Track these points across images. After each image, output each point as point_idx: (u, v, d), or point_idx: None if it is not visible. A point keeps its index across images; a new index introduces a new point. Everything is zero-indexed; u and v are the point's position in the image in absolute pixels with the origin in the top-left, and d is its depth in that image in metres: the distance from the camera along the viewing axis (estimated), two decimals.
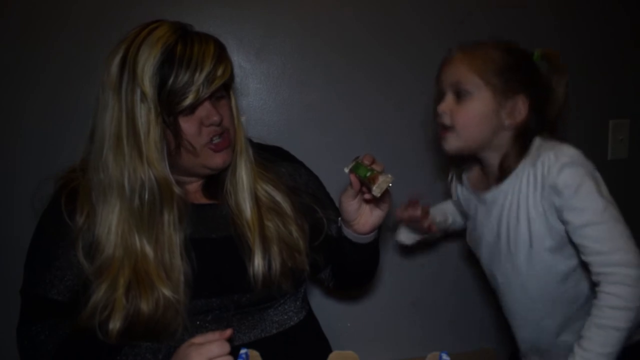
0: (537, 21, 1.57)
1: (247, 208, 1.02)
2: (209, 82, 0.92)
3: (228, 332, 0.86)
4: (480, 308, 1.60)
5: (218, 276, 0.98)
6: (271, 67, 1.45)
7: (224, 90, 1.01)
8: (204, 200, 1.06)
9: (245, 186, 1.03)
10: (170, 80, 0.90)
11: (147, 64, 0.90)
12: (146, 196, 0.93)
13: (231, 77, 0.99)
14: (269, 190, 1.06)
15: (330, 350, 0.94)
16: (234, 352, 0.85)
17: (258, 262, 0.98)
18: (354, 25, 1.46)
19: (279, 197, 1.06)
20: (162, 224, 0.95)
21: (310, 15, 1.44)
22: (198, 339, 0.85)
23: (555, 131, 1.01)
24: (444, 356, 0.81)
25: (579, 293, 0.99)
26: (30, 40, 1.34)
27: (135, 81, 0.90)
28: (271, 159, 1.11)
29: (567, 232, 0.93)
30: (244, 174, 1.04)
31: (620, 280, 0.85)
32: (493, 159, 1.01)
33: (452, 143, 0.99)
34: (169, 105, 0.91)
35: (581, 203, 0.90)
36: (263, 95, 1.45)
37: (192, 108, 0.94)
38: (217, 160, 0.99)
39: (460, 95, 0.96)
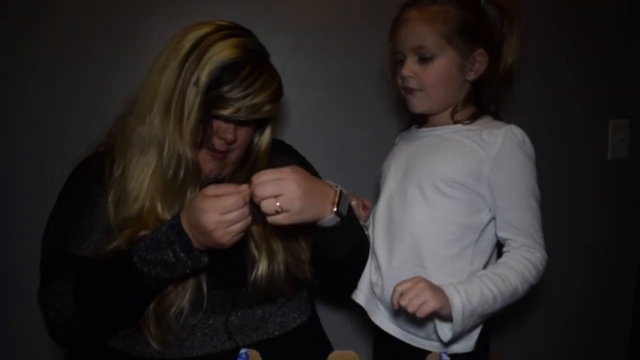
0: (537, 21, 1.57)
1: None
2: (252, 111, 0.95)
3: (244, 186, 0.86)
4: None
5: (221, 272, 0.98)
6: None
7: (259, 121, 1.04)
8: None
9: None
10: (224, 88, 0.93)
11: (215, 58, 0.93)
12: (181, 172, 0.96)
13: (272, 117, 1.04)
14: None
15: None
16: (235, 353, 0.85)
17: (262, 270, 0.99)
18: (354, 25, 1.46)
19: None
20: (184, 201, 0.97)
21: (310, 15, 1.44)
22: (212, 191, 0.85)
23: (510, 81, 1.01)
24: (444, 356, 0.81)
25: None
26: (27, 40, 1.34)
27: (199, 64, 0.93)
28: (273, 153, 1.12)
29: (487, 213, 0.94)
30: None
31: (536, 259, 0.91)
32: (447, 111, 1.00)
33: (421, 103, 0.98)
34: (211, 104, 0.94)
35: (519, 185, 0.92)
36: None
37: (224, 119, 0.97)
38: (205, 166, 1.01)
39: (424, 57, 0.95)
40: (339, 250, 0.97)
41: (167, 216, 0.95)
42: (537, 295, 1.66)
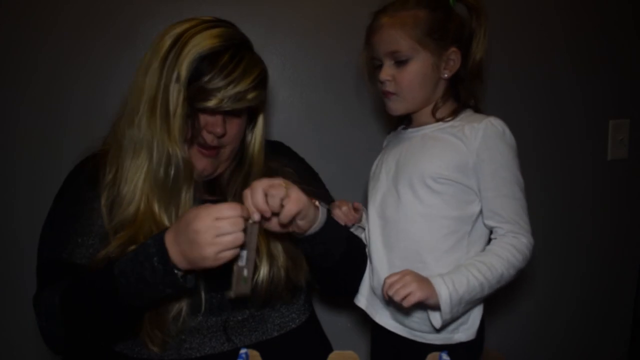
0: (537, 21, 1.57)
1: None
2: (236, 99, 0.94)
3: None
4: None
5: (220, 276, 0.98)
6: (271, 67, 1.43)
7: (250, 112, 1.03)
8: (206, 197, 1.06)
9: None
10: (205, 78, 0.92)
11: (193, 51, 0.92)
12: (172, 171, 0.95)
13: (259, 105, 1.01)
14: None
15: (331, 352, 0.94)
16: (234, 354, 0.84)
17: (263, 275, 0.98)
18: (354, 26, 1.45)
19: None
20: (180, 199, 0.97)
21: (310, 15, 1.44)
22: (210, 212, 0.82)
23: (480, 76, 1.04)
24: (444, 356, 0.81)
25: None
26: (27, 40, 1.34)
27: (178, 59, 0.93)
28: (273, 156, 1.11)
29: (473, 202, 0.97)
30: None
31: (521, 244, 0.95)
32: (427, 110, 1.04)
33: (399, 106, 1.02)
34: (194, 98, 0.93)
35: (502, 173, 0.95)
36: None
37: (209, 111, 0.97)
38: (198, 164, 1.00)
39: (399, 61, 0.98)
40: (329, 258, 0.99)
41: (164, 216, 0.95)
42: (537, 294, 1.66)
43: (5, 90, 1.35)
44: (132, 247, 0.90)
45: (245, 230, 0.84)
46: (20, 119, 1.36)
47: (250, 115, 1.04)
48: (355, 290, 1.07)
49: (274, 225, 0.91)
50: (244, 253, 0.86)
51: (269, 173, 1.07)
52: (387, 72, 0.99)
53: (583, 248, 1.71)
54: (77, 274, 0.93)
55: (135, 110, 0.96)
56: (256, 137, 1.07)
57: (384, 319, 1.02)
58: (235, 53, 0.94)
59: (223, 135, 0.99)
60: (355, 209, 1.07)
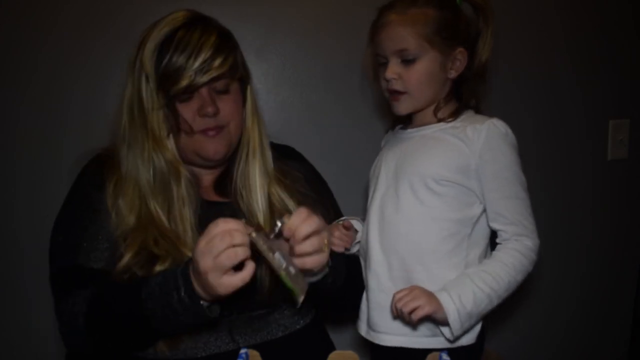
0: (537, 21, 1.57)
1: (260, 210, 1.02)
2: (206, 70, 0.93)
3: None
4: None
5: None
6: (271, 67, 1.45)
7: (239, 84, 1.02)
8: (215, 198, 1.06)
9: (258, 188, 1.03)
10: (165, 61, 0.93)
11: (151, 43, 0.94)
12: (156, 169, 0.97)
13: (234, 71, 0.99)
14: (284, 198, 1.05)
15: None
16: (237, 354, 0.84)
17: (264, 270, 0.98)
18: (354, 25, 1.45)
19: (292, 206, 1.05)
20: (172, 198, 0.97)
21: (310, 15, 1.44)
22: (203, 237, 0.79)
23: (484, 77, 1.02)
24: (444, 356, 0.81)
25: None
26: (27, 40, 1.34)
27: (142, 61, 0.95)
28: (283, 160, 1.11)
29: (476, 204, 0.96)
30: (257, 176, 1.04)
31: (526, 248, 0.94)
32: (429, 109, 1.02)
33: (406, 105, 1.00)
34: (165, 87, 0.94)
35: (506, 174, 0.94)
36: (263, 95, 1.45)
37: (189, 95, 0.96)
38: (209, 148, 1.00)
39: (407, 59, 0.97)
40: (330, 290, 1.00)
41: (162, 217, 0.96)
42: (537, 294, 1.66)
43: (5, 90, 1.35)
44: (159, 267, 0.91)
45: (272, 236, 0.84)
46: (20, 119, 1.36)
47: (241, 85, 1.04)
48: (355, 309, 1.06)
49: None
50: (277, 255, 0.84)
51: (280, 171, 1.08)
52: (394, 70, 0.97)
53: (583, 248, 1.71)
54: (100, 283, 0.93)
55: (119, 123, 1.00)
56: (248, 110, 1.06)
57: (383, 336, 1.00)
58: (187, 27, 0.95)
59: (217, 113, 0.98)
60: (346, 228, 1.04)
